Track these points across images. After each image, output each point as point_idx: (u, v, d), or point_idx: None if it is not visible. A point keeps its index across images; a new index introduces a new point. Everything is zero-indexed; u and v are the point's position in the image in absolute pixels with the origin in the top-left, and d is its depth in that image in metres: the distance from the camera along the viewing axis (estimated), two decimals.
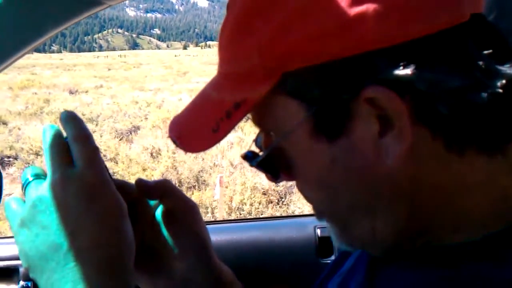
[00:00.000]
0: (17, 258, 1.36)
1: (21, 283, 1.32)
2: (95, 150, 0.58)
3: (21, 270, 1.33)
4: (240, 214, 5.08)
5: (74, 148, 0.57)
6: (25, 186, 0.58)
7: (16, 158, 7.45)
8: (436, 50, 0.41)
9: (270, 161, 0.54)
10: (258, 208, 5.13)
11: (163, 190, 0.68)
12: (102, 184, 0.56)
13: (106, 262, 0.54)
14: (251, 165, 0.56)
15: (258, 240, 1.45)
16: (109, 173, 0.60)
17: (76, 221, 0.54)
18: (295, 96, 0.46)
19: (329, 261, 1.44)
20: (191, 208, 0.69)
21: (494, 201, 0.45)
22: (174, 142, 0.54)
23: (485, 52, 0.41)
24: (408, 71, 0.40)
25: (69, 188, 0.55)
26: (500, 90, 0.40)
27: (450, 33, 0.41)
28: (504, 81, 0.41)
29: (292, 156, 0.51)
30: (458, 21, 0.42)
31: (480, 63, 0.41)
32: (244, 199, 5.19)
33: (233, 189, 5.40)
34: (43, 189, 0.55)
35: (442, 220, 0.46)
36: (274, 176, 0.56)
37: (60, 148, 0.57)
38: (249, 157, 0.56)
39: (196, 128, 0.54)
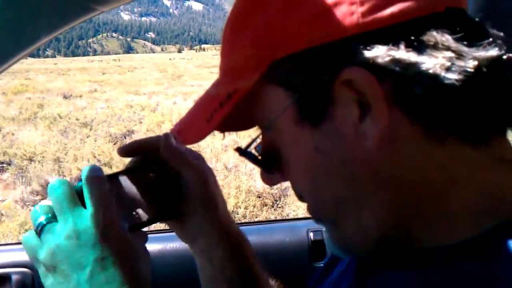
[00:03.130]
0: (10, 266, 1.35)
1: None
2: (105, 192, 0.60)
3: (14, 278, 1.33)
4: (235, 217, 5.07)
5: (85, 190, 0.59)
6: (39, 229, 0.60)
7: (9, 164, 7.40)
8: (409, 34, 0.43)
9: (261, 152, 0.56)
10: (252, 212, 5.12)
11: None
12: (115, 228, 0.59)
13: None
14: (240, 155, 0.57)
15: (251, 244, 1.44)
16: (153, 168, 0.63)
17: (93, 267, 0.56)
18: (281, 84, 0.49)
19: (322, 265, 1.44)
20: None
21: (480, 196, 0.45)
22: (175, 138, 0.56)
23: (458, 35, 0.43)
24: (382, 53, 0.42)
25: (82, 234, 0.57)
26: (472, 70, 0.41)
27: (424, 19, 0.44)
28: (476, 63, 0.42)
29: (280, 146, 0.53)
30: (431, 11, 0.44)
31: (453, 45, 0.42)
32: (238, 202, 5.19)
33: (228, 192, 5.39)
34: (59, 237, 0.57)
35: (426, 215, 0.47)
36: (265, 167, 0.57)
37: (68, 191, 0.59)
38: (240, 149, 0.58)
39: (193, 122, 0.56)
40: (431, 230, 0.47)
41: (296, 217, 4.44)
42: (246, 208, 5.14)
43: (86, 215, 0.58)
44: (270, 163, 0.56)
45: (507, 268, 0.41)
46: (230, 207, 5.22)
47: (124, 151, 0.71)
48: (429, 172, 0.45)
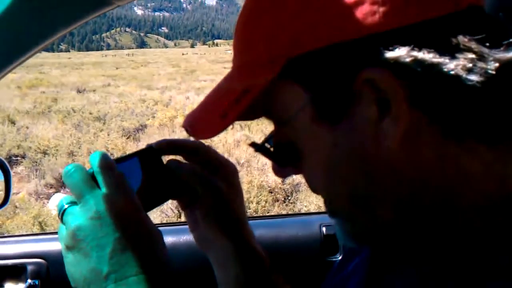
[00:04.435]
0: (25, 257, 1.37)
1: (29, 281, 1.33)
2: (120, 176, 0.61)
3: (29, 268, 1.35)
4: (247, 212, 5.05)
5: (99, 177, 0.60)
6: (61, 213, 0.61)
7: (23, 157, 7.50)
8: (431, 35, 0.43)
9: (276, 147, 0.56)
10: (264, 207, 5.13)
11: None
12: (133, 211, 0.59)
13: (144, 286, 0.56)
14: (256, 150, 0.58)
15: (263, 238, 1.44)
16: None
17: (113, 247, 0.57)
18: (299, 82, 0.48)
19: (334, 259, 1.44)
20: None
21: (493, 196, 0.45)
22: (187, 131, 0.56)
23: (479, 36, 0.42)
24: (404, 53, 0.42)
25: (103, 214, 0.57)
26: (493, 72, 0.41)
27: (445, 19, 0.43)
28: (497, 64, 0.41)
29: (296, 141, 0.52)
30: (454, 9, 0.44)
31: (474, 46, 0.42)
32: (250, 197, 5.20)
33: None
34: (79, 217, 0.58)
35: (441, 213, 0.47)
36: (280, 163, 0.57)
37: (84, 175, 0.60)
38: (255, 144, 0.58)
39: (206, 116, 0.56)
40: (445, 221, 0.47)
41: (308, 212, 4.44)
42: (257, 203, 5.16)
43: (106, 197, 0.58)
44: (284, 157, 0.56)
45: None
46: None
47: (163, 146, 0.72)
48: (445, 172, 0.45)
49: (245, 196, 5.23)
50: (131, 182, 0.63)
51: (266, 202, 5.20)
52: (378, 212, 0.49)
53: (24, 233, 4.30)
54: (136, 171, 0.68)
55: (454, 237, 0.47)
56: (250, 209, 5.04)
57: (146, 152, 0.70)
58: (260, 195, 5.29)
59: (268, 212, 5.03)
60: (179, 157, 0.73)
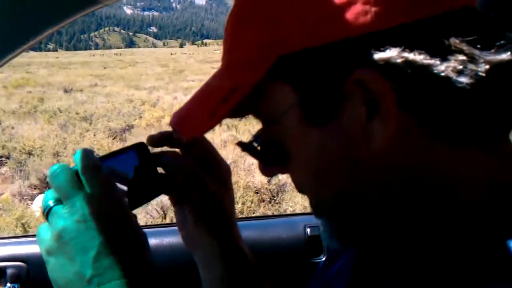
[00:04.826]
0: (5, 260, 1.36)
1: (8, 285, 1.32)
2: (105, 176, 0.59)
3: (8, 271, 1.33)
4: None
5: (83, 177, 0.59)
6: (46, 211, 0.59)
7: (8, 158, 7.42)
8: (423, 35, 0.42)
9: (263, 146, 0.56)
10: (250, 207, 5.13)
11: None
12: (119, 213, 0.58)
13: None
14: (243, 149, 0.57)
15: (247, 239, 1.44)
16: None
17: (98, 251, 0.55)
18: (287, 81, 0.48)
19: (318, 261, 1.45)
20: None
21: (484, 195, 0.46)
22: (174, 130, 0.56)
23: (470, 38, 0.42)
24: (395, 54, 0.42)
25: (88, 218, 0.56)
26: (483, 74, 0.41)
27: (438, 19, 0.43)
28: (487, 66, 0.41)
29: (284, 141, 0.52)
30: (447, 9, 0.44)
31: (465, 48, 0.42)
32: (236, 197, 5.18)
33: None
34: (66, 219, 0.57)
35: (429, 215, 0.47)
36: (266, 162, 0.57)
37: (70, 176, 0.59)
38: (242, 143, 0.58)
39: (193, 114, 0.55)
40: (433, 228, 0.47)
41: (293, 212, 4.44)
42: (243, 203, 5.15)
43: (91, 199, 0.57)
44: (271, 156, 0.55)
45: None
46: None
47: (153, 141, 0.71)
48: (433, 174, 0.45)
49: None
50: (126, 175, 0.63)
51: (252, 202, 5.19)
52: (365, 213, 0.49)
53: (6, 235, 4.25)
54: (130, 165, 0.67)
55: (445, 237, 0.47)
56: (235, 209, 5.03)
57: (140, 146, 0.70)
58: (246, 196, 5.29)
59: (253, 213, 5.03)
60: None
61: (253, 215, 4.82)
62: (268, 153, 0.55)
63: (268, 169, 0.58)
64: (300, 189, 0.56)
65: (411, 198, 0.47)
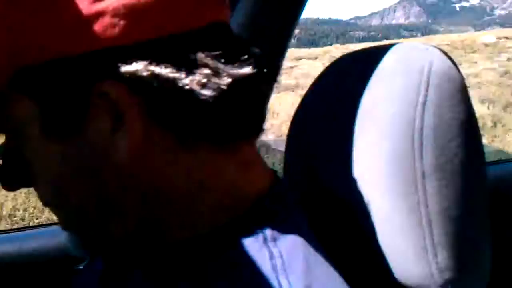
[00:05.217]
0: None
1: None
2: None
3: None
4: (13, 220, 4.65)
5: None
6: None
7: None
8: (170, 50, 0.44)
9: (4, 160, 0.53)
10: (32, 213, 4.78)
11: None
12: None
13: None
14: None
15: (5, 253, 1.36)
16: None
17: None
18: (26, 94, 0.45)
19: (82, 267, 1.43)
20: None
21: (223, 197, 0.49)
22: None
23: (215, 53, 0.45)
24: (141, 67, 0.42)
25: None
26: (225, 87, 0.44)
27: (184, 35, 0.45)
28: (230, 80, 0.44)
29: (26, 156, 0.50)
30: (194, 26, 0.46)
31: (210, 63, 0.44)
32: (17, 204, 4.79)
33: (6, 194, 4.93)
34: None
35: (173, 216, 0.49)
36: (7, 177, 0.53)
37: None
38: None
39: None
40: (176, 228, 0.50)
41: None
42: (25, 210, 4.77)
43: None
44: (12, 170, 0.53)
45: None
46: (9, 210, 4.81)
47: None
48: (178, 179, 0.47)
49: (11, 204, 4.80)
50: None
51: (35, 208, 4.84)
52: (111, 227, 0.49)
53: None
54: None
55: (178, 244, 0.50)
56: (16, 217, 4.63)
57: None
58: (29, 202, 4.90)
59: (37, 219, 4.69)
60: None
61: (15, 228, 4.45)
62: (9, 166, 0.53)
63: (10, 184, 0.55)
64: (45, 203, 0.54)
65: (156, 203, 0.48)
